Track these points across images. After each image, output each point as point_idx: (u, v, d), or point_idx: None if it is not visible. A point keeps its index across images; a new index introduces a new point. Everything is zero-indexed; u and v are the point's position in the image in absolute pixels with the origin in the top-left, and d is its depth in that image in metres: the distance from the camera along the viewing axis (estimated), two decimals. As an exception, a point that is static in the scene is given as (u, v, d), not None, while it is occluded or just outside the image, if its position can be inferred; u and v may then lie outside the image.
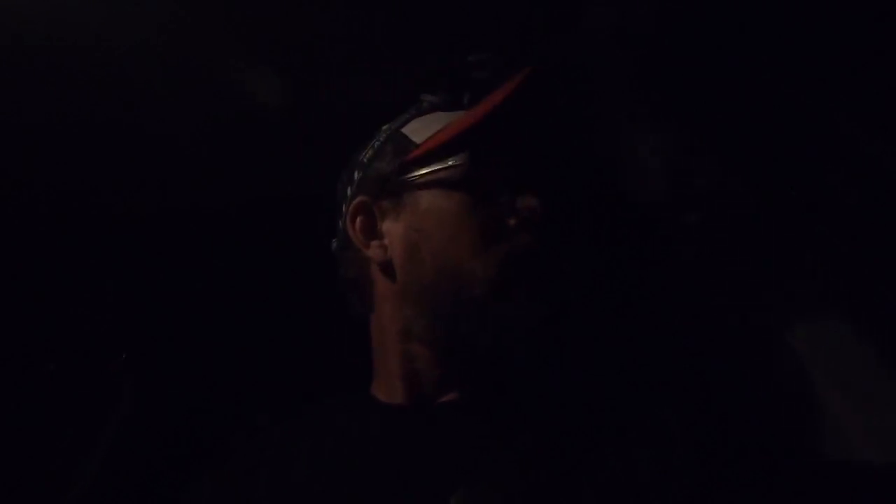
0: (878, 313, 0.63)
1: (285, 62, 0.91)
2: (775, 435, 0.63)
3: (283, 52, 0.91)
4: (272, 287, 0.98)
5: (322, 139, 0.85)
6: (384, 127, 0.63)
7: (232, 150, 1.02)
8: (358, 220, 0.58)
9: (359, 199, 0.59)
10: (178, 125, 0.94)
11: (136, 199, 1.02)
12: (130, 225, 1.01)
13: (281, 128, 1.02)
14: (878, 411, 0.56)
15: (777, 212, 0.75)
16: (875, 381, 0.58)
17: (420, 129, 0.59)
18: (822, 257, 0.70)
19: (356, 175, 0.61)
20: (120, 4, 0.81)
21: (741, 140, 0.83)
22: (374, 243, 0.57)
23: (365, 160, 0.61)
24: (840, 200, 0.74)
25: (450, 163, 0.54)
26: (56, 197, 1.00)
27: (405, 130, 0.60)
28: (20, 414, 0.90)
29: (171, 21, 0.85)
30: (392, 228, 0.57)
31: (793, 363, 0.62)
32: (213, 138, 0.95)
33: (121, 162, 0.99)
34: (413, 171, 0.56)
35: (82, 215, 1.01)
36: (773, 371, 0.64)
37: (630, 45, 0.98)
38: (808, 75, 0.86)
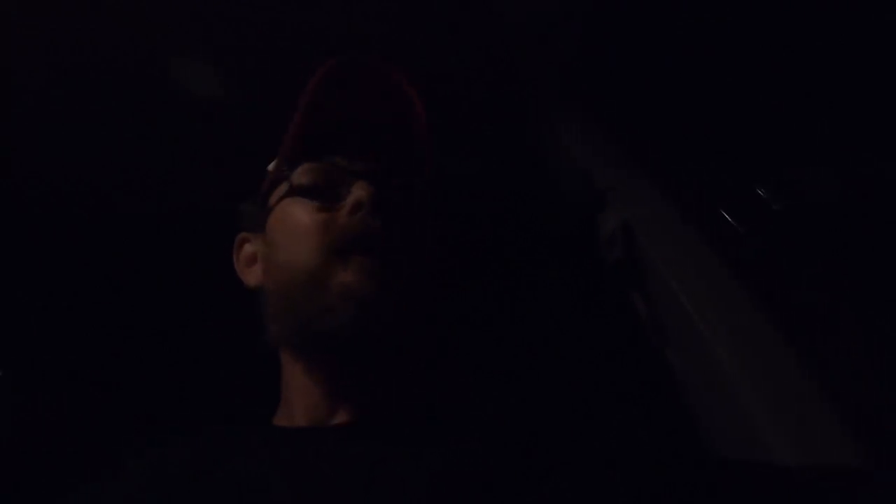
0: (797, 312, 0.62)
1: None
2: (688, 438, 0.61)
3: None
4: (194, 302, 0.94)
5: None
6: None
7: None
8: (241, 254, 0.63)
9: (239, 235, 0.64)
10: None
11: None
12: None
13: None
14: (795, 412, 0.54)
15: (697, 212, 0.74)
16: (793, 380, 0.56)
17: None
18: (742, 255, 0.69)
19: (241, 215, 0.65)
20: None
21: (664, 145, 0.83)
22: (248, 270, 0.61)
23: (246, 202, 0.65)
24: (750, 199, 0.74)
25: (284, 177, 0.57)
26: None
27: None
28: None
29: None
30: (259, 253, 0.60)
31: (708, 363, 0.61)
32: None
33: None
34: (266, 197, 0.60)
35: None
36: (687, 372, 0.62)
37: (556, 49, 0.98)
38: (744, 80, 0.86)
